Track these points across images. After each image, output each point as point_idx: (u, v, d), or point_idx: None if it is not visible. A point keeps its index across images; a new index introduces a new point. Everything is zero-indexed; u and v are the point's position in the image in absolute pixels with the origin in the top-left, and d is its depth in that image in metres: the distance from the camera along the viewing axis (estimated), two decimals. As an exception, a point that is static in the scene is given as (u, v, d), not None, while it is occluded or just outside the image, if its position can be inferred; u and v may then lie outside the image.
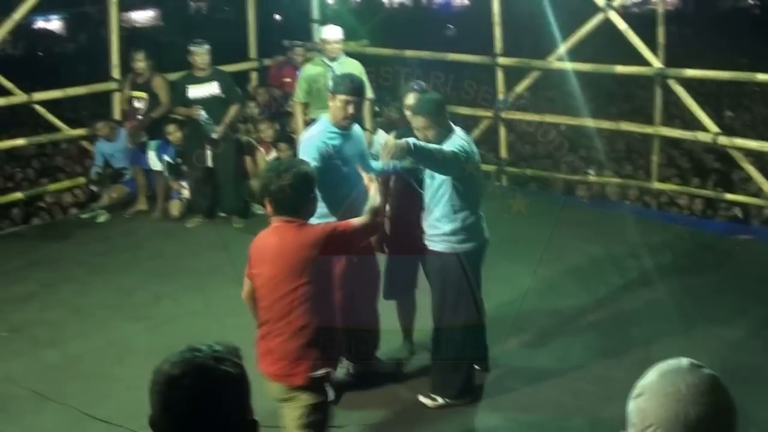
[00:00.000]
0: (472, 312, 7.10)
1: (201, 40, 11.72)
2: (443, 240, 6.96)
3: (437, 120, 6.83)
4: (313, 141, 6.97)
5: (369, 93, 11.20)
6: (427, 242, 7.08)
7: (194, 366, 2.59)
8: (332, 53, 11.07)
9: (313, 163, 6.45)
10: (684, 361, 2.51)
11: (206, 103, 11.49)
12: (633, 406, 2.48)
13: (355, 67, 11.15)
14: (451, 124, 6.99)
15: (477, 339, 7.27)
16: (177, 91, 11.78)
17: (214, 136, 11.45)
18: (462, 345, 7.10)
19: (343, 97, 7.03)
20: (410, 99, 7.54)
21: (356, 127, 7.37)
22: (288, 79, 12.89)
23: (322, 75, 10.99)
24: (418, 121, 6.88)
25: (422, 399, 7.23)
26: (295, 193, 5.45)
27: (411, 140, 6.32)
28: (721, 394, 2.44)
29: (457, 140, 6.81)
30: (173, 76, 12.27)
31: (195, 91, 11.57)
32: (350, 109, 7.03)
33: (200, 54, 11.57)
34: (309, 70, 11.23)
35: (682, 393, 2.39)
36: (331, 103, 7.14)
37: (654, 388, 2.44)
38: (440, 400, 7.17)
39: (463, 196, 6.85)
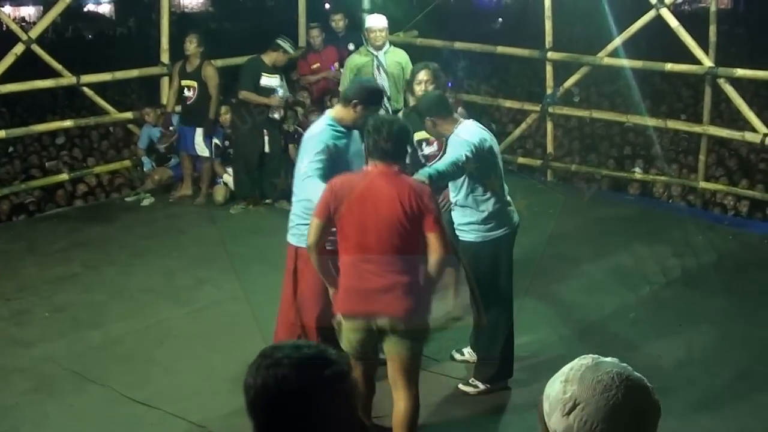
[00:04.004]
0: (506, 297, 7.15)
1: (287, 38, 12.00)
2: (473, 230, 6.97)
3: (444, 116, 6.95)
4: (321, 137, 6.63)
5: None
6: (457, 232, 7.08)
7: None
8: (377, 41, 11.03)
9: (319, 158, 6.50)
10: (588, 359, 2.48)
11: (269, 93, 11.62)
12: (569, 421, 2.37)
13: (402, 57, 11.14)
14: (457, 116, 7.13)
15: (509, 324, 7.24)
16: (249, 75, 11.79)
17: (277, 116, 11.60)
18: (499, 330, 7.10)
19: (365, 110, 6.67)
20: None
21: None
22: (317, 64, 12.82)
23: (367, 65, 10.97)
24: (427, 123, 7.03)
25: (463, 387, 7.22)
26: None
27: (425, 174, 6.25)
28: (632, 372, 2.45)
29: (464, 136, 6.82)
30: (219, 62, 12.31)
31: (268, 81, 11.68)
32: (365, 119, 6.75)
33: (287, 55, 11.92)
34: (355, 59, 11.19)
35: (615, 384, 2.37)
36: (347, 108, 6.71)
37: (585, 395, 2.37)
38: (481, 386, 7.18)
39: (484, 184, 6.88)
